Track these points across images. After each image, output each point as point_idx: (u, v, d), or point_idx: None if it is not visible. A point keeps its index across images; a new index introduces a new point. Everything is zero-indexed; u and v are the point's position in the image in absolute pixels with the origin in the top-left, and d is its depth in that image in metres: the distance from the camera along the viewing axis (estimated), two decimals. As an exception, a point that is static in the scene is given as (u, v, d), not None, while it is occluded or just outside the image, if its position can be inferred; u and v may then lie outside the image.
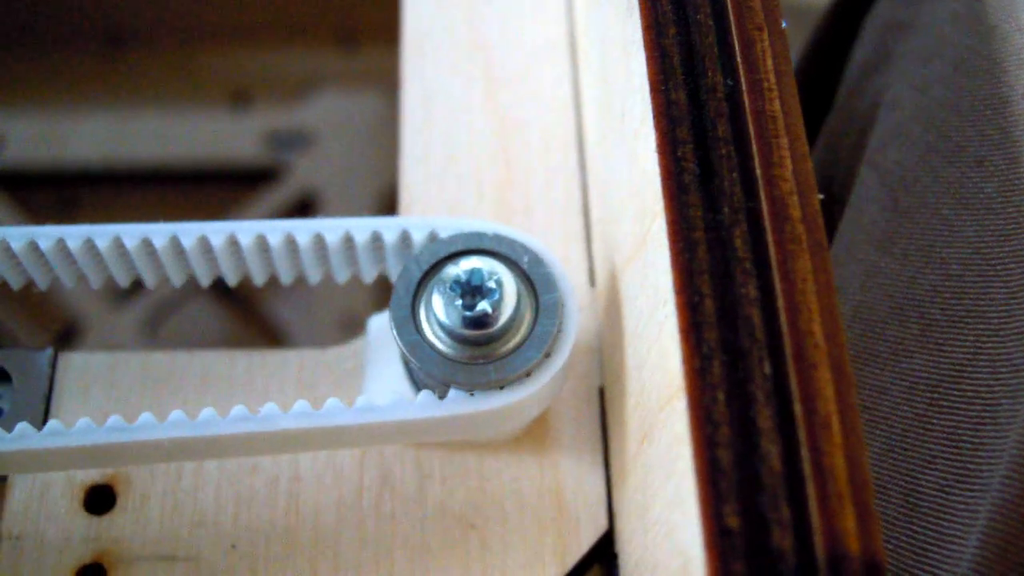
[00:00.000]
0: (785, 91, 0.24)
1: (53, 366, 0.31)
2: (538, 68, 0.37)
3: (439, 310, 0.25)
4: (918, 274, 0.31)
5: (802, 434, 0.20)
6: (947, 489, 0.29)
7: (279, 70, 0.69)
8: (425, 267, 0.26)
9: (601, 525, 0.29)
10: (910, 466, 0.29)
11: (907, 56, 0.36)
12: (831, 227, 0.35)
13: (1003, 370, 0.28)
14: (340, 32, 0.69)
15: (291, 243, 0.28)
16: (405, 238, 0.28)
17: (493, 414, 0.26)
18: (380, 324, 0.30)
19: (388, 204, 0.64)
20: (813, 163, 0.23)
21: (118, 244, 0.27)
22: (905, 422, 0.30)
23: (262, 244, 0.28)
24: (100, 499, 0.29)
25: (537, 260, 0.27)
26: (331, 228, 0.28)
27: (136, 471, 0.30)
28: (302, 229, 0.28)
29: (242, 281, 0.29)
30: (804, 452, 0.20)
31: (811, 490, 0.19)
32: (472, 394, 0.26)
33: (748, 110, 0.23)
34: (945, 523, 0.28)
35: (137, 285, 0.29)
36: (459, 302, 0.25)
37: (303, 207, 0.65)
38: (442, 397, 0.26)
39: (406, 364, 0.28)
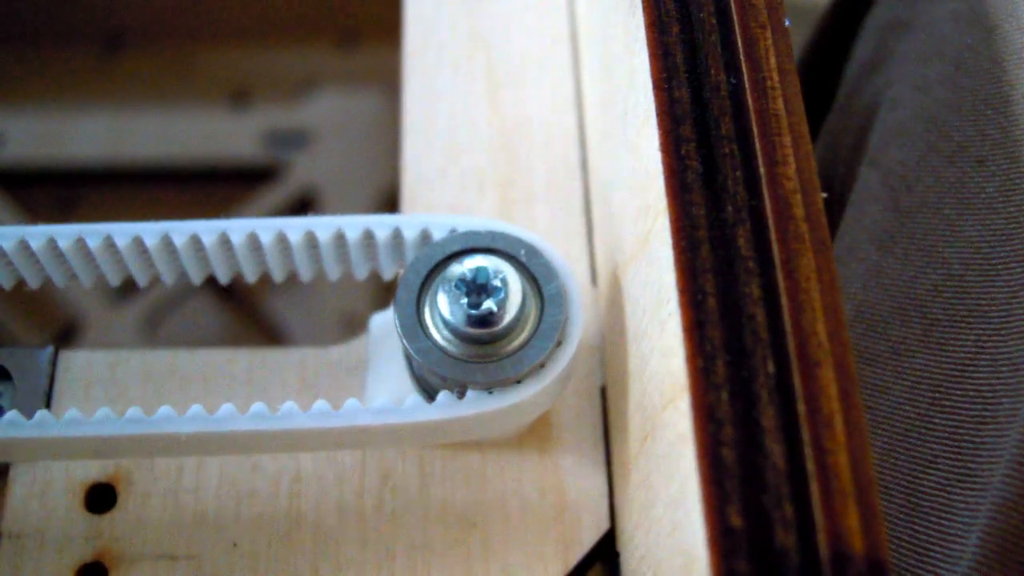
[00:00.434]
0: (788, 89, 0.24)
1: (53, 364, 0.31)
2: (540, 66, 0.37)
3: (445, 311, 0.25)
4: (920, 274, 0.31)
5: (805, 433, 0.20)
6: (949, 488, 0.29)
7: (279, 69, 0.69)
8: (424, 272, 0.26)
9: (603, 524, 0.29)
10: (912, 465, 0.29)
11: (907, 55, 0.36)
12: (831, 226, 0.35)
13: (1004, 369, 0.28)
14: (340, 31, 0.69)
15: (283, 241, 0.28)
16: (397, 236, 0.28)
17: (511, 410, 0.26)
18: (381, 322, 0.30)
19: (388, 203, 0.64)
20: (815, 162, 0.23)
21: (109, 243, 0.27)
22: (907, 421, 0.30)
23: (254, 242, 0.28)
24: (101, 497, 0.29)
25: (534, 251, 0.27)
26: (323, 226, 0.28)
27: (137, 470, 0.30)
28: (294, 227, 0.28)
29: (241, 280, 0.29)
30: (808, 451, 0.20)
31: (815, 489, 0.19)
32: (491, 392, 0.26)
33: (751, 108, 0.23)
34: (947, 522, 0.28)
35: (132, 284, 0.29)
36: (464, 301, 0.25)
37: (303, 206, 0.65)
38: (460, 397, 0.26)
39: (411, 364, 0.28)
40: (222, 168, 0.66)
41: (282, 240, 0.28)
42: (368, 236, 0.28)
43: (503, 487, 0.30)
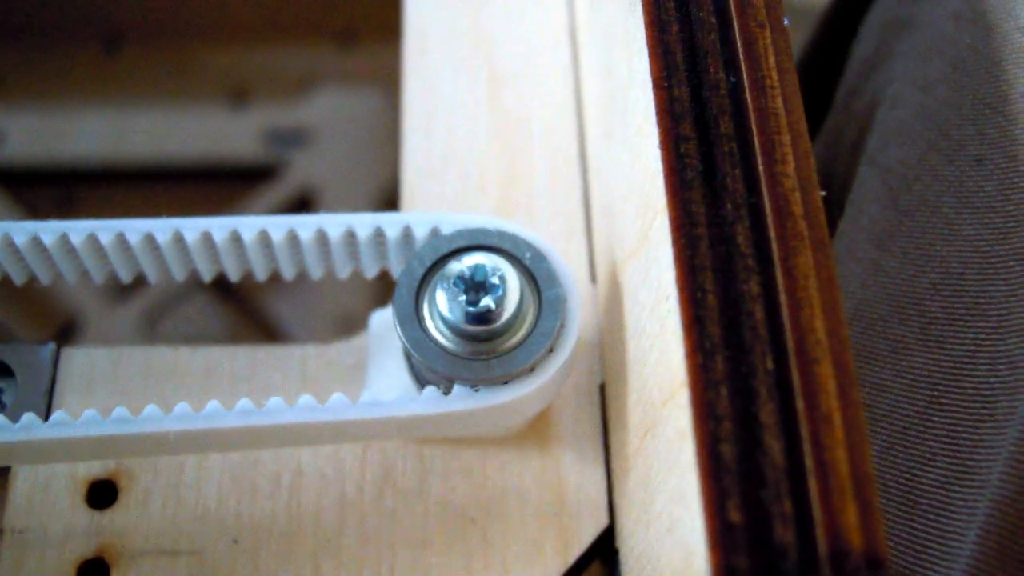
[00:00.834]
0: (787, 88, 0.24)
1: (55, 361, 0.31)
2: (540, 64, 0.37)
3: (443, 306, 0.26)
4: (918, 272, 0.31)
5: (804, 429, 0.20)
6: (947, 486, 0.29)
7: (278, 67, 0.69)
8: (428, 264, 0.27)
9: (602, 520, 0.29)
10: (910, 463, 0.29)
11: (907, 54, 0.36)
12: (830, 225, 0.35)
13: (1002, 367, 0.29)
14: (339, 29, 0.69)
15: (293, 239, 0.28)
16: (407, 234, 0.28)
17: (497, 409, 0.26)
18: (382, 320, 0.30)
19: (388, 201, 0.64)
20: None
21: (121, 239, 0.27)
22: (905, 419, 0.30)
23: (264, 240, 0.28)
24: (102, 493, 0.29)
25: (539, 256, 0.27)
26: (333, 224, 0.28)
27: (138, 466, 0.30)
28: (305, 225, 0.28)
29: (244, 277, 0.29)
30: (806, 447, 0.20)
31: (813, 485, 0.19)
32: (477, 389, 0.26)
33: (750, 107, 0.23)
34: (945, 520, 0.28)
35: (137, 281, 0.29)
36: (463, 298, 0.25)
37: (302, 205, 0.65)
38: (447, 393, 0.26)
39: (409, 360, 0.28)
40: (222, 167, 0.66)
41: (293, 238, 0.28)
42: (379, 234, 0.28)
43: (503, 483, 0.30)
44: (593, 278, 0.33)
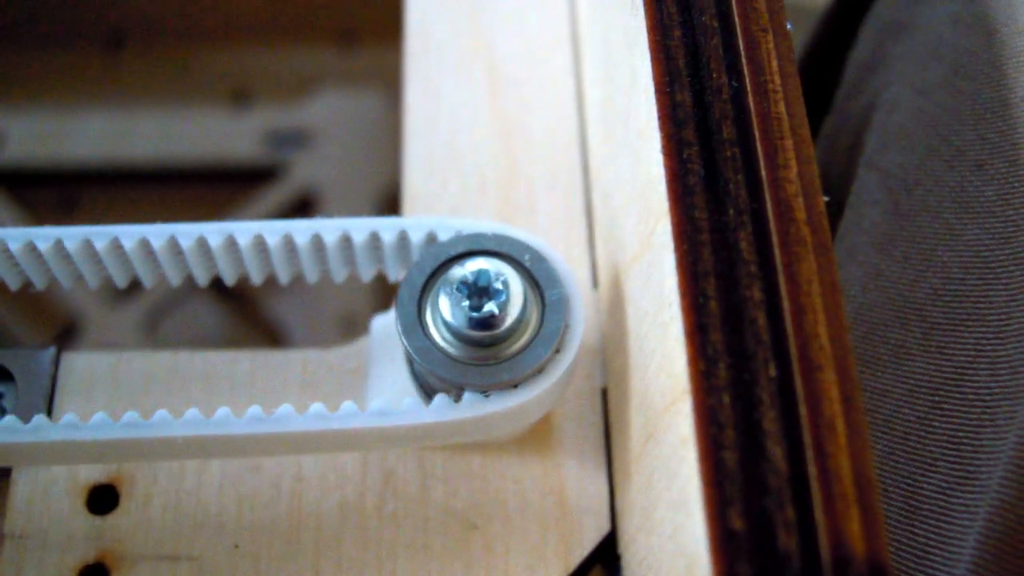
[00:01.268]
0: (790, 93, 0.24)
1: (56, 365, 0.31)
2: (541, 68, 0.37)
3: (446, 312, 0.25)
4: (919, 277, 0.31)
5: (807, 436, 0.20)
6: (948, 492, 0.29)
7: (279, 69, 0.69)
8: (428, 272, 0.27)
9: (604, 526, 0.29)
10: (911, 469, 0.29)
11: (906, 58, 0.36)
12: (831, 228, 0.35)
13: (1002, 372, 0.29)
14: (340, 31, 0.69)
15: (289, 243, 0.28)
16: (403, 238, 0.28)
17: (507, 414, 0.26)
18: (383, 324, 0.30)
19: (389, 204, 0.64)
20: (815, 165, 0.23)
21: (116, 245, 0.27)
22: (906, 425, 0.30)
23: (260, 244, 0.28)
24: (103, 499, 0.29)
25: (539, 258, 0.27)
26: (329, 228, 0.28)
27: (139, 471, 0.30)
28: (300, 230, 0.28)
29: (241, 281, 0.29)
30: (809, 454, 0.20)
31: (816, 492, 0.19)
32: (487, 395, 0.26)
33: (753, 112, 0.23)
34: (946, 525, 0.28)
35: (136, 285, 0.29)
36: (466, 303, 0.25)
37: (303, 206, 0.65)
38: (457, 400, 0.26)
39: (411, 365, 0.28)
40: (222, 168, 0.66)
41: (289, 242, 0.28)
42: (375, 239, 0.28)
43: (504, 489, 0.30)
44: (595, 283, 0.33)
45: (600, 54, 0.33)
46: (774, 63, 0.24)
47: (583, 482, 0.30)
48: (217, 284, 0.30)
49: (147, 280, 0.29)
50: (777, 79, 0.24)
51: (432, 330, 0.26)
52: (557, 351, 0.26)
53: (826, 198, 0.23)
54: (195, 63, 0.68)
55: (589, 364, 0.31)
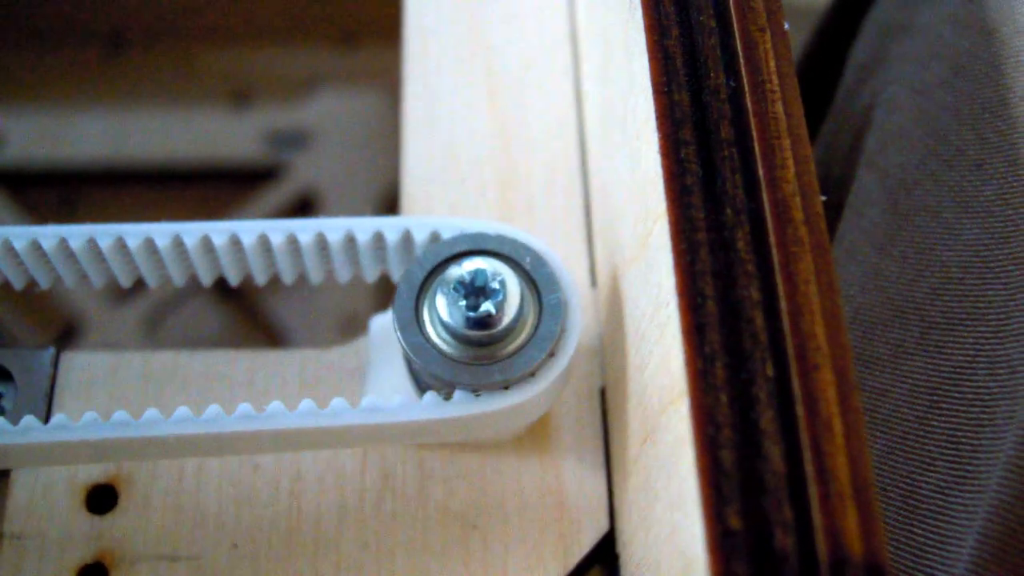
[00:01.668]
0: (788, 93, 0.24)
1: (55, 365, 0.31)
2: (540, 68, 0.37)
3: (443, 311, 0.26)
4: (918, 276, 0.31)
5: (804, 436, 0.20)
6: (946, 491, 0.29)
7: (279, 69, 0.69)
8: (428, 268, 0.27)
9: (602, 526, 0.29)
10: (910, 468, 0.29)
11: (905, 58, 0.36)
12: (829, 228, 0.35)
13: (1001, 372, 0.29)
14: (340, 31, 0.69)
15: (293, 243, 0.28)
16: (407, 238, 0.28)
17: (498, 415, 0.26)
18: (382, 324, 0.30)
19: (389, 204, 0.64)
20: (813, 165, 0.23)
21: (120, 244, 0.27)
22: (905, 424, 0.30)
23: (264, 244, 0.28)
24: (102, 498, 0.29)
25: (540, 260, 0.27)
26: (333, 228, 0.28)
27: (137, 471, 0.30)
28: (304, 229, 0.28)
29: (242, 281, 0.29)
30: (806, 454, 0.20)
31: (813, 491, 0.19)
32: (478, 395, 0.26)
33: (751, 112, 0.23)
34: (944, 525, 0.28)
35: (137, 284, 0.29)
36: (463, 303, 0.25)
37: (303, 206, 0.65)
38: (447, 398, 0.26)
39: (409, 364, 0.28)
40: (223, 168, 0.66)
41: (293, 242, 0.28)
42: (378, 238, 0.28)
43: (503, 488, 0.30)
44: (594, 282, 0.33)
45: (598, 54, 0.33)
46: (772, 63, 0.24)
47: (581, 482, 0.30)
48: (217, 285, 0.30)
49: (151, 280, 0.29)
50: (775, 79, 0.24)
51: (429, 328, 0.26)
52: (551, 355, 0.26)
53: (824, 198, 0.23)
54: (195, 63, 0.68)
55: (587, 364, 0.31)
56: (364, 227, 0.28)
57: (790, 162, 0.23)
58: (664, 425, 0.23)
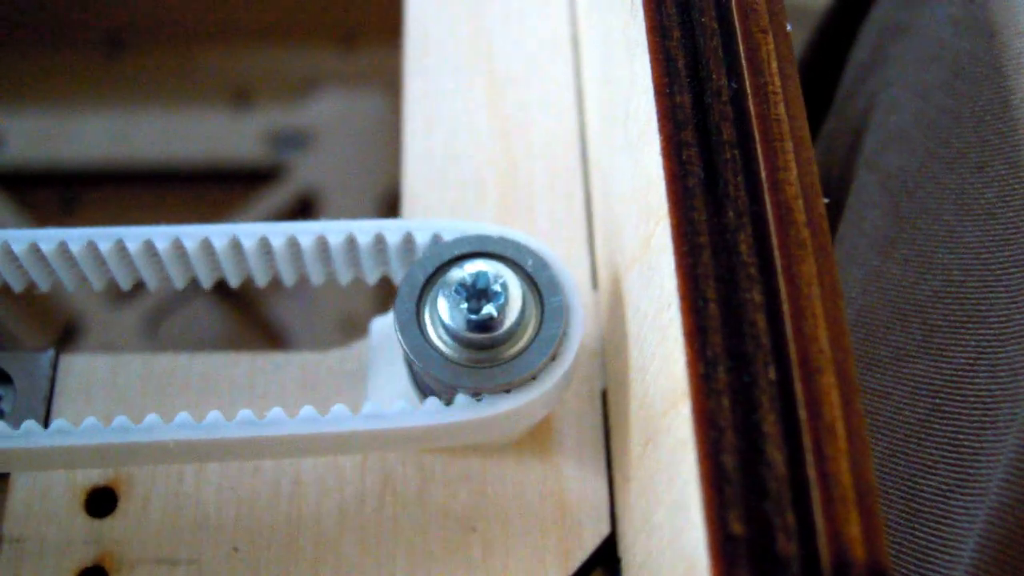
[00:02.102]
0: (790, 94, 0.24)
1: (54, 368, 0.31)
2: (541, 69, 0.37)
3: (444, 313, 0.25)
4: (920, 279, 0.31)
5: (807, 439, 0.20)
6: (948, 494, 0.29)
7: (280, 70, 0.69)
8: (430, 270, 0.26)
9: (603, 529, 0.29)
10: (911, 471, 0.29)
11: (905, 60, 0.36)
12: (830, 230, 0.35)
13: (1003, 374, 0.28)
14: (341, 31, 0.69)
15: (294, 245, 0.28)
16: (409, 240, 0.28)
17: (499, 418, 0.26)
18: (382, 326, 0.30)
19: (389, 204, 0.64)
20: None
21: (120, 247, 0.27)
22: (907, 427, 0.30)
23: (265, 246, 0.28)
24: (101, 501, 0.29)
25: (542, 263, 0.27)
26: (334, 230, 0.28)
27: (137, 474, 0.30)
28: (305, 231, 0.28)
29: (242, 283, 0.29)
30: (809, 457, 0.20)
31: (816, 495, 0.19)
32: (479, 399, 0.26)
33: (753, 113, 0.23)
34: (946, 528, 0.28)
35: (137, 286, 0.29)
36: (464, 305, 0.25)
37: (304, 207, 0.65)
38: (448, 402, 0.26)
39: (409, 367, 0.28)
40: (223, 169, 0.66)
41: (293, 244, 0.28)
42: (379, 240, 0.28)
43: (504, 491, 0.30)
44: (595, 285, 0.33)
45: (600, 55, 0.33)
46: (774, 64, 0.24)
47: (583, 485, 0.30)
48: (217, 287, 0.30)
49: (151, 282, 0.29)
50: (777, 81, 0.24)
51: (430, 330, 0.26)
52: (553, 358, 0.26)
53: (825, 200, 0.23)
54: (196, 64, 0.68)
55: (589, 366, 0.31)
56: (365, 229, 0.28)
57: (792, 164, 0.23)
58: (666, 428, 0.22)
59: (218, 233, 0.28)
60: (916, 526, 0.29)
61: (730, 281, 0.21)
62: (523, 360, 0.26)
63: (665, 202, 0.22)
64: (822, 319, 0.21)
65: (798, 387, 0.20)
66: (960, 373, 0.29)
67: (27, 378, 0.30)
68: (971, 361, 0.29)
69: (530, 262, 0.26)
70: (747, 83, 0.24)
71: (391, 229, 0.28)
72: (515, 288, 0.26)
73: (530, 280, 0.26)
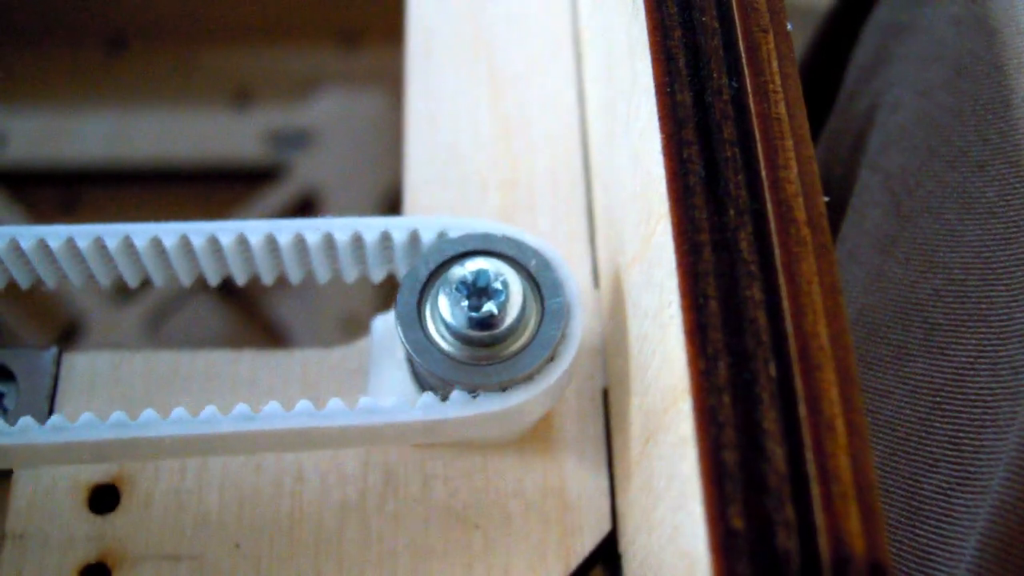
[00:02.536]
0: (790, 93, 0.24)
1: (57, 365, 0.31)
2: (543, 68, 0.37)
3: (445, 310, 0.26)
4: (921, 278, 0.31)
5: (807, 436, 0.20)
6: (949, 492, 0.29)
7: (281, 69, 0.69)
8: (433, 266, 0.27)
9: (605, 526, 0.29)
10: (912, 469, 0.29)
11: (907, 59, 0.36)
12: (832, 228, 0.35)
13: (1004, 373, 0.29)
14: (342, 31, 0.69)
15: (300, 243, 0.28)
16: (415, 238, 0.28)
17: (495, 416, 0.26)
18: (384, 324, 0.30)
19: (391, 203, 0.64)
20: (816, 165, 0.23)
21: (128, 243, 0.27)
22: (908, 426, 0.30)
23: (272, 243, 0.28)
24: (104, 498, 0.29)
25: (545, 264, 0.27)
26: (341, 227, 0.28)
27: (140, 471, 0.30)
28: (311, 228, 0.28)
29: (249, 281, 0.29)
30: (809, 454, 0.20)
31: (816, 491, 0.19)
32: (474, 396, 0.26)
33: (753, 112, 0.23)
34: (947, 526, 0.28)
35: (142, 284, 0.29)
36: (465, 303, 0.25)
37: (305, 206, 0.65)
38: (445, 398, 0.26)
39: (411, 364, 0.28)
40: (224, 168, 0.66)
41: (300, 241, 0.28)
42: (386, 238, 0.28)
43: (505, 488, 0.30)
44: (596, 283, 0.33)
45: (601, 54, 0.33)
46: (774, 64, 0.24)
47: (584, 482, 0.30)
48: (221, 284, 0.30)
49: (158, 279, 0.29)
50: (777, 80, 0.24)
51: (430, 325, 0.26)
52: (551, 359, 0.26)
53: (826, 198, 0.23)
54: (197, 63, 0.68)
55: (590, 364, 0.31)
56: (372, 227, 0.28)
57: (793, 163, 0.23)
58: (667, 425, 0.23)
59: (225, 230, 0.28)
60: (917, 524, 0.29)
61: (730, 279, 0.22)
62: (520, 360, 0.26)
63: (666, 200, 0.23)
64: (822, 316, 0.21)
65: (798, 384, 0.20)
66: (961, 372, 0.29)
67: (30, 375, 0.30)
68: (972, 360, 0.29)
69: (533, 262, 0.27)
70: (748, 82, 0.24)
71: (397, 227, 0.28)
72: (516, 286, 0.26)
73: (532, 280, 0.26)
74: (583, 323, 0.26)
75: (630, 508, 0.27)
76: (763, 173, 0.23)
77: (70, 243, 0.27)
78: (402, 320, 0.26)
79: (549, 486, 0.30)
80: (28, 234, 0.27)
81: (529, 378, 0.26)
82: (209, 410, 0.25)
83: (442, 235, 0.28)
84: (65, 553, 0.29)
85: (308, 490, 0.30)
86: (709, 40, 0.24)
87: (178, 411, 0.25)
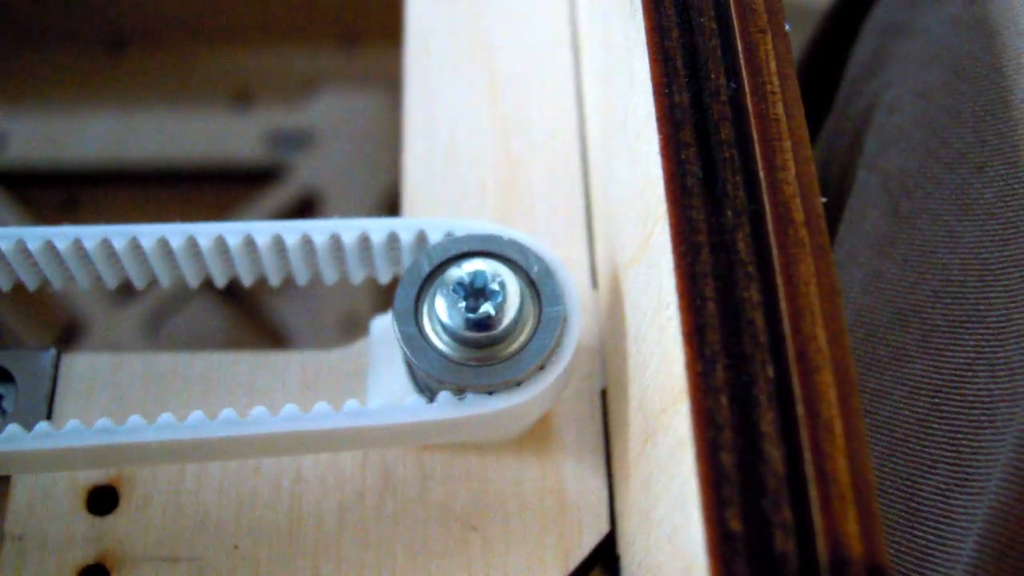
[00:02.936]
0: (788, 94, 0.24)
1: (56, 366, 0.31)
2: (541, 69, 0.37)
3: (442, 311, 0.25)
4: (919, 279, 0.31)
5: (805, 437, 0.20)
6: (947, 493, 0.29)
7: (281, 70, 0.69)
8: (436, 263, 0.26)
9: (603, 527, 0.29)
10: (911, 471, 0.29)
11: (906, 60, 0.36)
12: (829, 229, 0.35)
13: (1002, 374, 0.29)
14: (341, 31, 0.69)
15: (308, 243, 0.28)
16: (421, 239, 0.28)
17: (482, 419, 0.26)
18: (383, 325, 0.30)
19: (390, 204, 0.64)
20: (814, 166, 0.23)
21: (135, 244, 0.27)
22: (906, 427, 0.30)
23: (279, 244, 0.28)
24: (103, 500, 0.29)
25: (547, 270, 0.26)
26: (348, 228, 0.28)
27: (138, 472, 0.30)
28: (319, 229, 0.28)
29: (247, 282, 0.29)
30: (807, 455, 0.20)
31: (814, 493, 0.19)
32: (462, 398, 0.26)
33: (751, 113, 0.23)
34: (945, 527, 0.28)
35: (148, 285, 0.29)
36: (462, 304, 0.25)
37: (305, 207, 0.65)
38: (430, 401, 0.26)
39: (408, 365, 0.28)
40: (224, 169, 0.66)
41: (307, 242, 0.28)
42: (393, 239, 0.28)
43: (503, 489, 0.30)
44: (595, 284, 0.33)
45: (599, 55, 0.33)
46: (772, 65, 0.24)
47: (582, 483, 0.30)
48: (218, 286, 0.30)
49: (164, 280, 0.28)
50: (775, 80, 0.24)
51: (426, 323, 0.26)
52: (541, 367, 0.26)
53: (824, 199, 0.23)
54: (197, 64, 0.68)
55: (588, 365, 0.31)
56: (379, 228, 0.28)
57: (791, 163, 0.23)
58: (665, 426, 0.23)
59: (232, 231, 0.28)
60: (915, 525, 0.29)
61: (728, 280, 0.22)
62: (511, 365, 0.26)
63: (664, 201, 0.23)
64: (820, 317, 0.21)
65: (796, 385, 0.20)
66: (959, 373, 0.29)
67: (29, 377, 0.30)
68: (970, 361, 0.29)
69: (536, 268, 0.26)
70: (745, 83, 0.24)
71: (404, 228, 0.28)
72: (513, 287, 0.26)
73: (532, 285, 0.26)
74: (579, 334, 0.26)
75: (628, 509, 0.27)
76: (761, 174, 0.23)
77: (77, 244, 0.27)
78: (398, 315, 0.26)
79: (548, 487, 0.30)
80: (35, 235, 0.27)
81: (517, 384, 0.26)
82: (195, 415, 0.25)
83: (448, 236, 0.27)
84: (64, 554, 0.29)
85: (306, 491, 0.30)
86: (707, 41, 0.24)
87: (164, 416, 0.25)
